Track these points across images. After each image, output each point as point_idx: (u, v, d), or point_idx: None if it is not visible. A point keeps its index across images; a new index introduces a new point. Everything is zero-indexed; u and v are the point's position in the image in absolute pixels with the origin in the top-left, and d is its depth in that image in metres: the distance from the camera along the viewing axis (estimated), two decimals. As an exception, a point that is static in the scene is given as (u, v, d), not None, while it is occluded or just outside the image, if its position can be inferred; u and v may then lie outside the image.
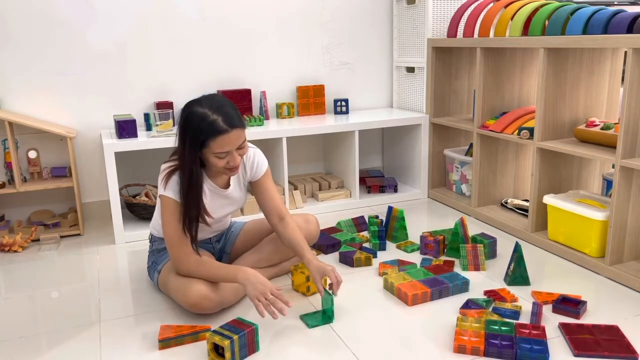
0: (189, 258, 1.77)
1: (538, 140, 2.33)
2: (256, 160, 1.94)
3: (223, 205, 1.92)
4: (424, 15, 2.94)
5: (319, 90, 3.12)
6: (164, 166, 1.81)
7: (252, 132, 2.68)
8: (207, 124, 1.65)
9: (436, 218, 2.77)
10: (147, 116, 2.74)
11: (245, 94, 2.92)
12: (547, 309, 1.79)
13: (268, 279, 2.00)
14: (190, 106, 1.71)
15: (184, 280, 1.77)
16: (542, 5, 2.44)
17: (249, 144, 1.88)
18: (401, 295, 1.88)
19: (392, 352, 1.58)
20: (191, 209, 1.75)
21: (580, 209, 2.13)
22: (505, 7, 2.59)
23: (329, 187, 3.04)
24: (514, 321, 1.70)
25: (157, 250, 1.99)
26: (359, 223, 2.59)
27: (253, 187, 1.98)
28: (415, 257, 2.25)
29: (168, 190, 1.75)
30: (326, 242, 2.32)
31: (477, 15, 2.69)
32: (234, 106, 1.74)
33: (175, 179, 1.76)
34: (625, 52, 2.38)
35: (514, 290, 1.94)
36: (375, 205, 2.96)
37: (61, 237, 2.60)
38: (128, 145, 2.48)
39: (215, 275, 1.75)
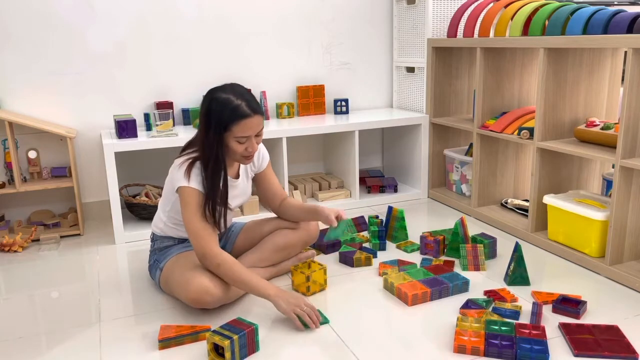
0: (221, 255, 1.74)
1: (538, 140, 2.33)
2: (261, 153, 2.03)
3: (233, 196, 1.94)
4: (424, 15, 2.94)
5: (319, 90, 3.12)
6: (179, 160, 1.82)
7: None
8: (231, 108, 1.72)
9: (436, 218, 2.77)
10: (147, 116, 2.73)
11: (245, 94, 2.92)
12: (547, 309, 1.79)
13: (268, 279, 2.02)
14: (213, 92, 1.78)
15: (186, 275, 1.76)
16: (542, 5, 2.44)
17: None
18: (401, 295, 1.88)
19: (392, 352, 1.58)
20: (217, 193, 1.79)
21: (580, 209, 2.13)
22: (505, 7, 2.59)
23: (329, 187, 3.04)
24: (514, 321, 1.70)
25: (159, 249, 1.99)
26: (359, 223, 2.59)
27: (257, 179, 2.06)
28: (415, 257, 2.25)
29: (193, 182, 1.76)
30: (326, 242, 2.32)
31: (477, 15, 2.69)
32: (253, 96, 1.82)
33: (196, 170, 1.78)
34: (625, 52, 2.38)
35: (514, 290, 1.94)
36: (375, 205, 2.96)
37: (61, 237, 2.60)
38: (128, 145, 2.48)
39: (243, 283, 1.73)
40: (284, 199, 2.07)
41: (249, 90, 1.83)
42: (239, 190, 1.97)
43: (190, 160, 1.79)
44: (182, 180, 1.77)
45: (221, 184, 1.80)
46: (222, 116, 1.72)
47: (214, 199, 1.78)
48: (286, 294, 1.73)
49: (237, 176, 1.96)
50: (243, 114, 1.73)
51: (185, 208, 1.78)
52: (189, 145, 1.89)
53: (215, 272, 1.75)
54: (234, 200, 1.95)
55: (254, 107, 1.75)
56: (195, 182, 1.77)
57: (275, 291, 1.72)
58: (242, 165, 1.97)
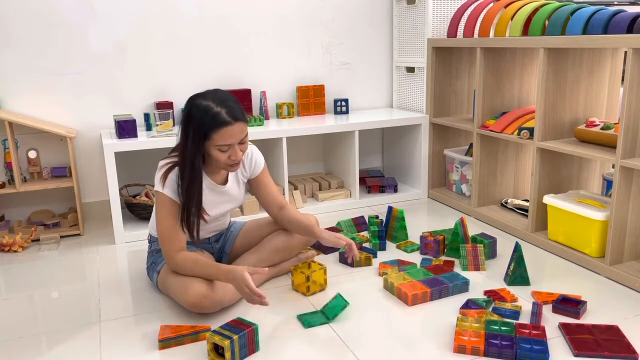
0: (177, 255, 1.77)
1: (538, 140, 2.33)
2: (254, 158, 1.96)
3: (221, 202, 1.92)
4: (424, 15, 2.94)
5: (319, 90, 3.12)
6: (162, 162, 1.81)
7: (252, 132, 2.66)
8: (211, 116, 1.68)
9: (436, 218, 2.77)
10: (147, 116, 2.74)
11: (245, 94, 2.92)
12: (547, 309, 1.79)
13: (268, 279, 2.02)
14: (194, 99, 1.73)
15: (183, 280, 1.77)
16: (542, 5, 2.44)
17: None
18: (401, 295, 1.88)
19: (392, 352, 1.58)
20: (192, 203, 1.76)
21: (580, 209, 2.13)
22: (505, 7, 2.59)
23: (329, 187, 3.04)
24: (514, 321, 1.70)
25: (156, 250, 1.98)
26: (359, 223, 2.59)
27: (252, 184, 2.00)
28: (415, 257, 2.25)
29: (166, 189, 1.76)
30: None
31: (477, 15, 2.69)
32: (237, 101, 1.76)
33: (172, 177, 1.76)
34: (625, 52, 2.38)
35: (514, 290, 1.94)
36: (375, 205, 2.96)
37: (61, 237, 2.60)
38: (128, 145, 2.48)
39: (203, 273, 1.76)
40: (282, 208, 2.00)
41: (235, 97, 1.77)
42: (229, 196, 1.94)
43: (170, 165, 1.78)
44: (158, 184, 1.78)
45: (199, 193, 1.77)
46: (202, 124, 1.68)
47: (189, 206, 1.77)
48: (233, 279, 1.67)
49: (225, 182, 1.92)
50: (223, 121, 1.68)
51: (157, 212, 1.79)
52: (175, 149, 1.85)
53: (181, 272, 1.77)
54: (221, 206, 1.94)
55: (235, 114, 1.70)
56: (168, 189, 1.76)
57: (226, 275, 1.70)
58: None
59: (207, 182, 1.86)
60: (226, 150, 1.73)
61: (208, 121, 1.68)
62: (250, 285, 1.64)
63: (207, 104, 1.69)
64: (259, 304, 1.66)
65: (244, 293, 1.66)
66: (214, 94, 1.73)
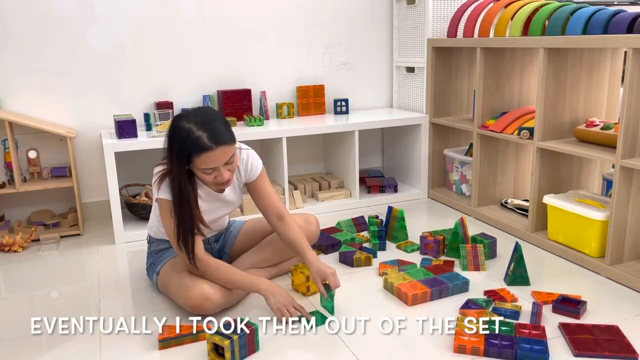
0: (204, 260, 1.75)
1: (538, 140, 2.33)
2: (250, 162, 1.90)
3: (218, 207, 1.91)
4: (424, 15, 2.94)
5: (318, 90, 3.12)
6: (157, 169, 1.79)
7: (252, 132, 2.68)
8: (192, 141, 1.62)
9: (436, 218, 2.77)
10: (147, 116, 2.74)
11: (245, 94, 2.92)
12: (547, 309, 1.79)
13: (268, 279, 2.01)
14: (177, 120, 1.68)
15: (184, 282, 1.76)
16: (542, 5, 2.44)
17: (243, 145, 1.88)
18: (401, 295, 1.88)
19: (392, 352, 1.58)
20: (185, 222, 1.72)
21: (580, 209, 2.13)
22: (505, 7, 2.59)
23: (329, 187, 3.04)
24: (514, 321, 1.70)
25: (155, 251, 1.98)
26: (359, 223, 2.59)
27: (249, 189, 1.96)
28: (415, 257, 2.25)
29: (162, 193, 1.73)
30: (326, 242, 2.32)
31: (477, 15, 2.69)
32: (224, 120, 1.71)
33: (167, 181, 1.74)
34: (625, 52, 2.38)
35: (514, 290, 1.94)
36: (375, 205, 2.96)
37: (61, 237, 2.60)
38: (128, 145, 2.48)
39: (233, 282, 1.75)
40: (280, 218, 1.89)
41: (222, 115, 1.73)
42: (226, 202, 1.92)
43: (163, 172, 1.74)
44: (155, 191, 1.76)
45: (190, 213, 1.72)
46: (184, 148, 1.63)
47: (183, 225, 1.72)
48: (277, 291, 1.74)
49: (222, 190, 1.89)
50: (204, 147, 1.62)
51: (163, 218, 1.77)
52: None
53: (203, 277, 1.75)
54: (219, 211, 1.93)
55: (217, 138, 1.63)
56: (165, 193, 1.73)
57: (267, 286, 1.74)
58: None
59: (205, 191, 1.84)
60: (211, 172, 1.69)
61: (189, 146, 1.62)
62: (298, 306, 1.74)
63: (188, 127, 1.63)
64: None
65: (283, 312, 1.71)
66: (197, 115, 1.66)
